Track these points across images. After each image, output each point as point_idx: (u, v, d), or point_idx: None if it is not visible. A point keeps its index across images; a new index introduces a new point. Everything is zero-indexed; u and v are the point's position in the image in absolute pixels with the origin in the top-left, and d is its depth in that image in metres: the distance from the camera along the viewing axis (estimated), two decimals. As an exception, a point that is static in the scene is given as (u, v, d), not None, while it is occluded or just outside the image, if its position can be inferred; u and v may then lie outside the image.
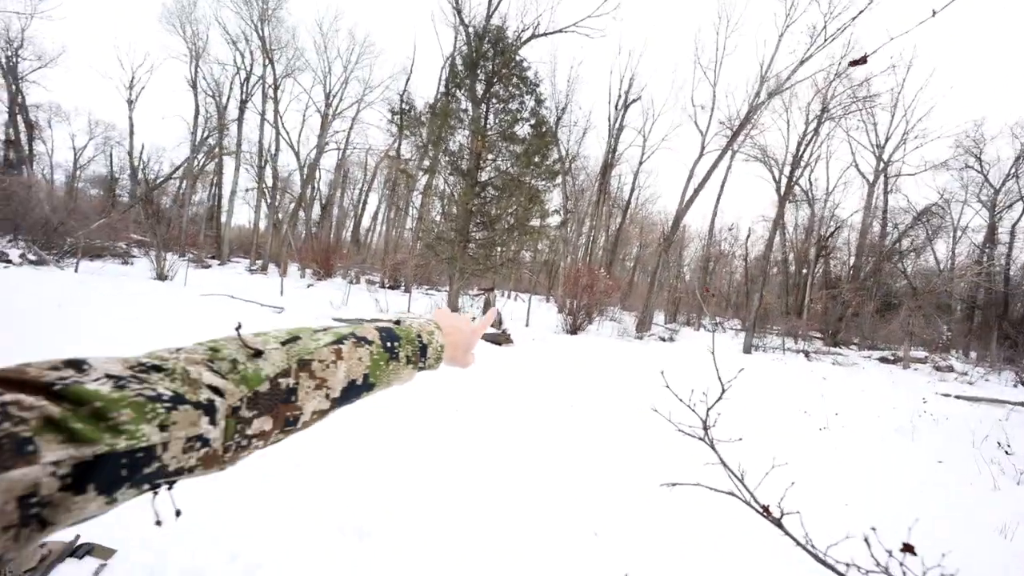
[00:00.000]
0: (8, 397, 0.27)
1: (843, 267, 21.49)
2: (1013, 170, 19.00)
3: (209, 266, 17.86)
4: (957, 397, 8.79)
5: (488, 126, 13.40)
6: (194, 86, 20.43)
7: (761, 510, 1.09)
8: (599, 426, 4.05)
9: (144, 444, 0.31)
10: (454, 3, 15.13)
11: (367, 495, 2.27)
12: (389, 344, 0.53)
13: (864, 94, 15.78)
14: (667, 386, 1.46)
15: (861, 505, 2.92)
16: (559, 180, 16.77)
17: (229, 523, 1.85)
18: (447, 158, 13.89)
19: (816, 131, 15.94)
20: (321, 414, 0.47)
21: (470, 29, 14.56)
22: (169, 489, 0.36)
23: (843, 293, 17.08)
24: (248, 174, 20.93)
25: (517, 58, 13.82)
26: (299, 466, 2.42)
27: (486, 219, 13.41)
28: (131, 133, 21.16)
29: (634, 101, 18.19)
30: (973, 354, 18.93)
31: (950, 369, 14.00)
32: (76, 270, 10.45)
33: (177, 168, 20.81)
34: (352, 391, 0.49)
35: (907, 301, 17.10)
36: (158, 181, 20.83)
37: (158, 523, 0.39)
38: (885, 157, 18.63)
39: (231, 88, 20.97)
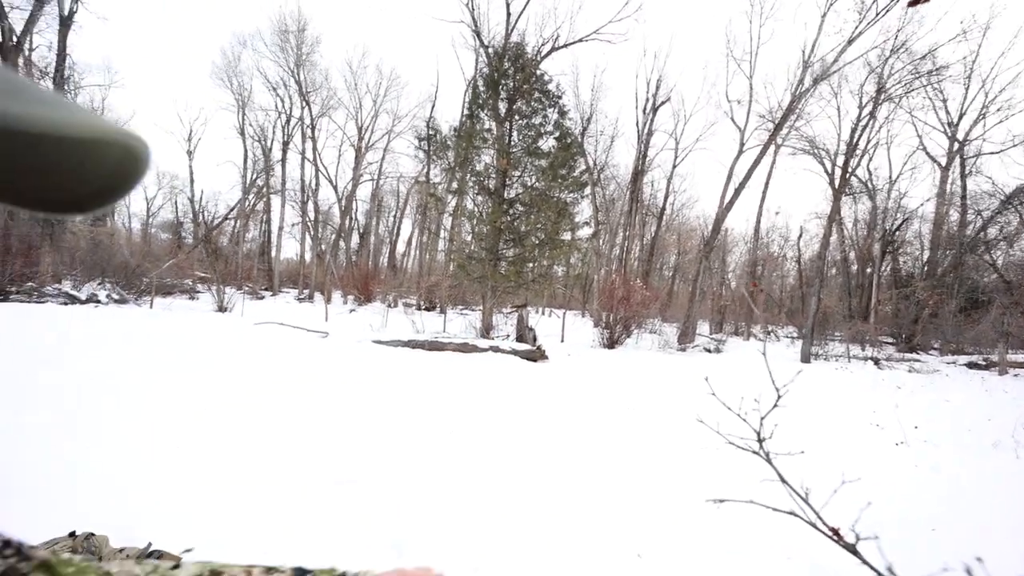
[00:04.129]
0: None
1: (915, 263, 19.25)
2: None
3: (263, 297, 19.08)
4: None
5: (512, 143, 13.43)
6: (242, 132, 22.28)
7: (830, 534, 0.98)
8: (641, 441, 3.88)
9: None
10: (473, 26, 15.41)
11: (410, 512, 2.25)
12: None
13: (928, 68, 14.11)
14: (713, 393, 1.34)
15: (951, 532, 2.48)
16: (587, 191, 16.41)
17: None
18: (474, 178, 14.00)
19: (872, 115, 14.49)
20: None
21: (490, 49, 14.76)
22: None
23: (917, 292, 15.28)
24: (293, 210, 22.41)
25: (538, 72, 13.79)
26: (341, 483, 2.48)
27: (515, 236, 13.37)
28: (191, 180, 23.36)
29: (663, 103, 17.46)
30: (1092, 354, 16.14)
31: (1060, 373, 12.04)
32: (151, 306, 11.58)
33: (231, 210, 22.69)
34: None
35: (999, 297, 14.99)
36: (215, 223, 22.76)
37: None
38: (960, 136, 16.50)
39: (274, 131, 22.78)
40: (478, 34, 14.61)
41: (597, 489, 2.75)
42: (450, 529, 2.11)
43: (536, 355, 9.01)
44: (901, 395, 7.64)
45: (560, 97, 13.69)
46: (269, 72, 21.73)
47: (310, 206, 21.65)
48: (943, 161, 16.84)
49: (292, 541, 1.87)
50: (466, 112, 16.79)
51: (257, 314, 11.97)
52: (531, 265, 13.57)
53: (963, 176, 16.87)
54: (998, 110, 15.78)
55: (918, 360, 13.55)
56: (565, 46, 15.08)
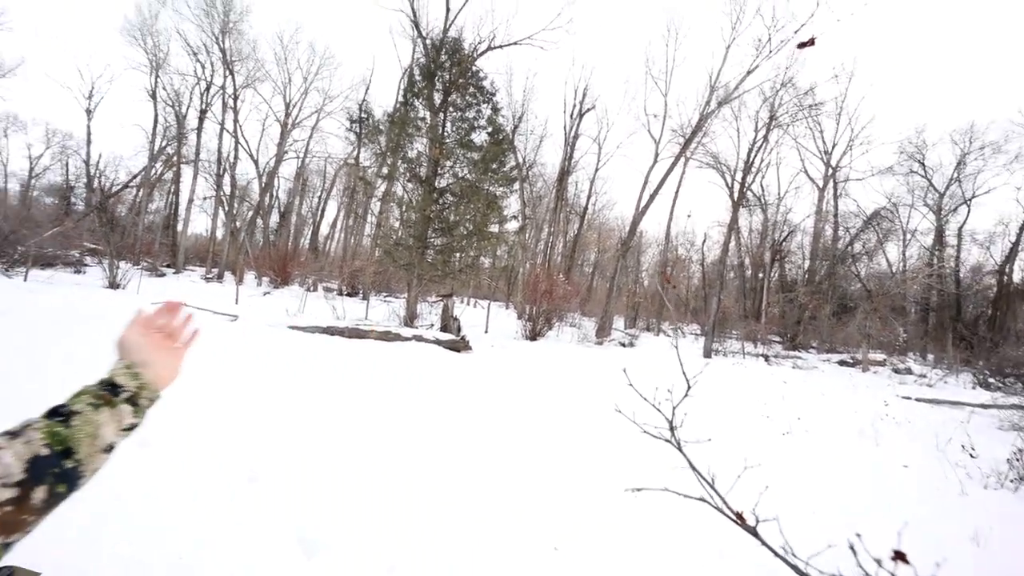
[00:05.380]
0: None
1: (798, 271, 22.03)
2: (955, 175, 19.84)
3: (164, 274, 17.50)
4: (918, 400, 8.62)
5: (445, 134, 13.52)
6: (154, 96, 20.27)
7: (735, 517, 1.01)
8: (560, 432, 3.91)
9: None
10: (412, 17, 15.39)
11: (320, 508, 2.13)
12: (59, 413, 0.55)
13: (809, 102, 16.35)
14: (630, 384, 1.35)
15: (829, 512, 2.81)
16: (516, 186, 16.95)
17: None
18: (405, 165, 13.92)
19: (765, 138, 16.39)
20: None
21: (428, 41, 14.83)
22: None
23: (799, 296, 17.44)
24: (206, 183, 20.76)
25: (473, 68, 14.04)
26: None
27: (444, 225, 13.47)
28: (88, 142, 20.85)
29: (588, 110, 18.59)
30: (930, 356, 19.35)
31: (909, 371, 14.17)
32: (25, 279, 10.21)
33: (134, 177, 20.55)
34: (43, 464, 0.50)
35: (862, 304, 17.51)
36: (114, 189, 20.48)
37: None
38: (833, 163, 19.32)
39: (191, 98, 20.91)
40: (417, 25, 14.67)
41: (518, 481, 2.73)
42: (362, 527, 2.01)
43: (460, 345, 9.01)
44: (787, 389, 8.34)
45: (494, 94, 14.05)
46: (190, 35, 19.96)
47: (226, 180, 20.17)
48: (820, 183, 19.57)
49: (197, 541, 1.77)
50: (401, 99, 16.63)
51: (156, 293, 11.06)
52: (458, 255, 13.74)
53: (835, 197, 19.71)
54: (861, 144, 18.72)
55: (800, 358, 15.43)
56: (500, 47, 15.52)
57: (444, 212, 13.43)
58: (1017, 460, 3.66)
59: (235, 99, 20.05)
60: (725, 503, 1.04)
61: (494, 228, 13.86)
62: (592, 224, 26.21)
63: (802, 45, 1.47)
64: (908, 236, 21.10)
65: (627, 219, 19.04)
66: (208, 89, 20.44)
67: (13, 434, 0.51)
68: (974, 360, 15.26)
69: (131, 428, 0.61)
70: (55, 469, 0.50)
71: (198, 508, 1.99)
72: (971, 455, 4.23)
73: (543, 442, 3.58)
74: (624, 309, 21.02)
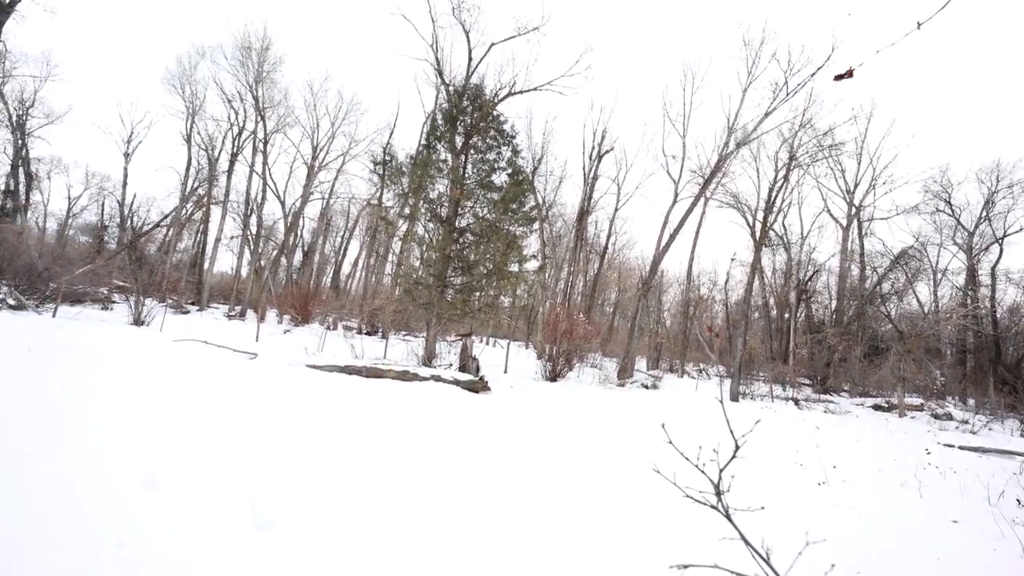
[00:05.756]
0: None
1: (825, 311, 21.40)
2: (984, 213, 19.42)
3: (188, 312, 17.76)
4: (962, 448, 8.14)
5: (466, 175, 13.77)
6: (188, 140, 21.48)
7: None
8: (581, 485, 3.71)
9: None
10: (436, 65, 16.13)
11: (328, 557, 2.05)
12: None
13: (829, 143, 16.38)
14: (670, 442, 1.30)
15: (875, 573, 2.59)
16: (536, 226, 17.07)
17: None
18: (427, 205, 14.13)
19: (786, 178, 16.36)
20: None
21: (450, 88, 15.44)
22: None
23: (828, 337, 16.83)
24: (234, 222, 21.52)
25: (494, 113, 14.48)
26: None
27: (464, 264, 13.50)
28: (124, 184, 22.04)
29: (607, 152, 19.03)
30: (971, 401, 18.30)
31: (949, 417, 13.37)
32: (54, 315, 10.38)
33: (165, 217, 21.46)
34: None
35: (895, 345, 16.78)
36: (145, 228, 21.35)
37: None
38: (856, 202, 19.12)
39: (223, 142, 22.17)
40: (440, 73, 15.36)
41: (536, 538, 2.58)
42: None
43: (478, 386, 8.87)
44: (820, 435, 8.01)
45: (514, 137, 14.40)
46: (226, 84, 21.38)
47: (253, 220, 20.93)
48: (844, 222, 19.29)
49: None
50: (424, 142, 17.21)
51: (179, 330, 11.15)
52: (478, 294, 13.68)
53: (860, 236, 19.36)
54: (884, 183, 18.55)
55: (832, 401, 14.68)
56: (521, 92, 16.06)
57: (464, 251, 13.49)
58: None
59: (265, 143, 21.06)
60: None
61: (514, 267, 13.83)
62: (612, 263, 26.28)
63: (839, 77, 1.42)
64: (939, 276, 20.49)
65: (648, 258, 18.98)
66: (240, 134, 21.63)
67: None
68: (1020, 405, 14.39)
69: None
70: None
71: (205, 560, 1.85)
72: (1029, 511, 3.87)
73: (563, 495, 3.39)
74: (646, 349, 20.56)
